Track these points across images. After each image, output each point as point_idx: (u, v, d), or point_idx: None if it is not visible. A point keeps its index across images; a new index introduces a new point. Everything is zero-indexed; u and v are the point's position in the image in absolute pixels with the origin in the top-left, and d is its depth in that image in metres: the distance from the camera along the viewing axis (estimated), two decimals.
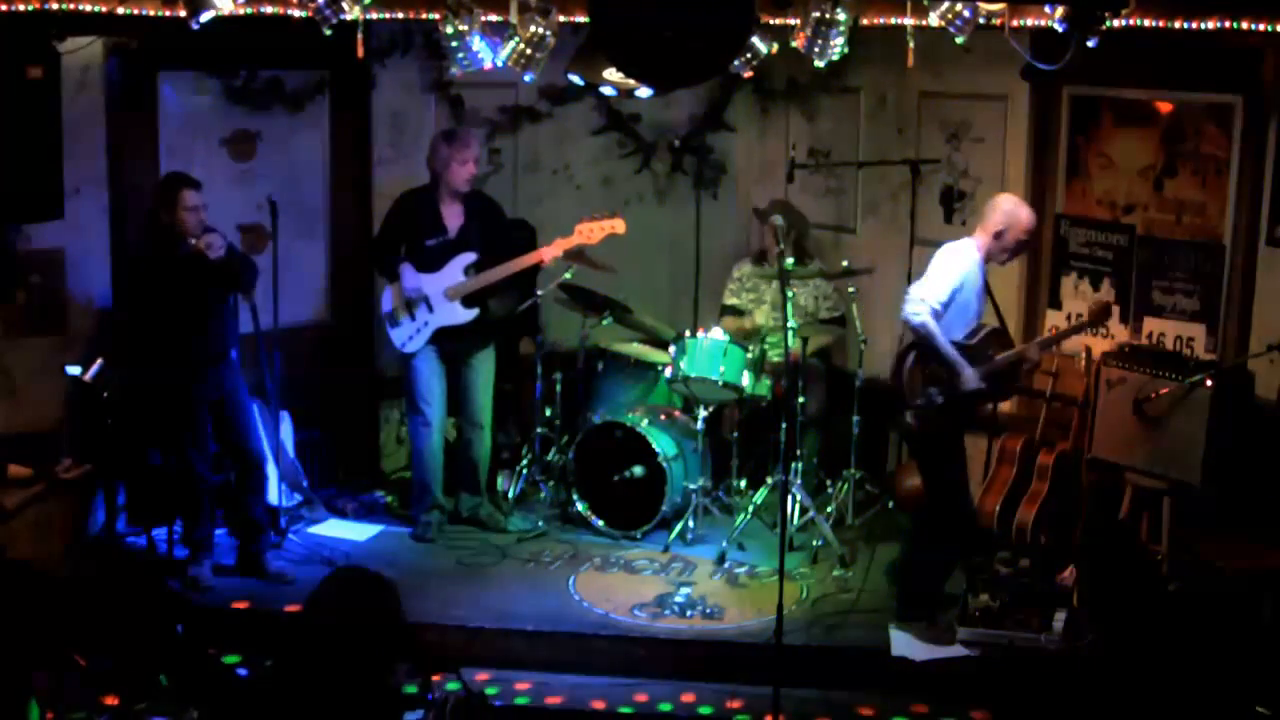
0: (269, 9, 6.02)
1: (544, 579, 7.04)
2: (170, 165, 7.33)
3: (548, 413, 8.08)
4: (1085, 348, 6.92)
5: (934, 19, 6.04)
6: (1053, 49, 6.10)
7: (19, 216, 6.71)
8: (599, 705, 6.07)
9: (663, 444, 7.42)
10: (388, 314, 7.40)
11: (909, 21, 6.23)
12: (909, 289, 6.17)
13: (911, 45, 6.14)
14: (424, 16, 6.17)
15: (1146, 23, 6.05)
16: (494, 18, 6.01)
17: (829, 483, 7.88)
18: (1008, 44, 6.17)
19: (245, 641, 6.37)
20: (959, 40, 6.04)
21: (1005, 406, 7.36)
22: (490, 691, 6.05)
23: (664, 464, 7.36)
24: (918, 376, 6.17)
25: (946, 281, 6.16)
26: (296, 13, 5.94)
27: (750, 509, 7.43)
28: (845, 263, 7.81)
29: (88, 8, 5.89)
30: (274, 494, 7.39)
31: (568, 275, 7.65)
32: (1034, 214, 6.47)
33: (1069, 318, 7.37)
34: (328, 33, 5.79)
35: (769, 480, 7.49)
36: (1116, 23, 5.98)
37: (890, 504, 7.71)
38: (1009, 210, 6.33)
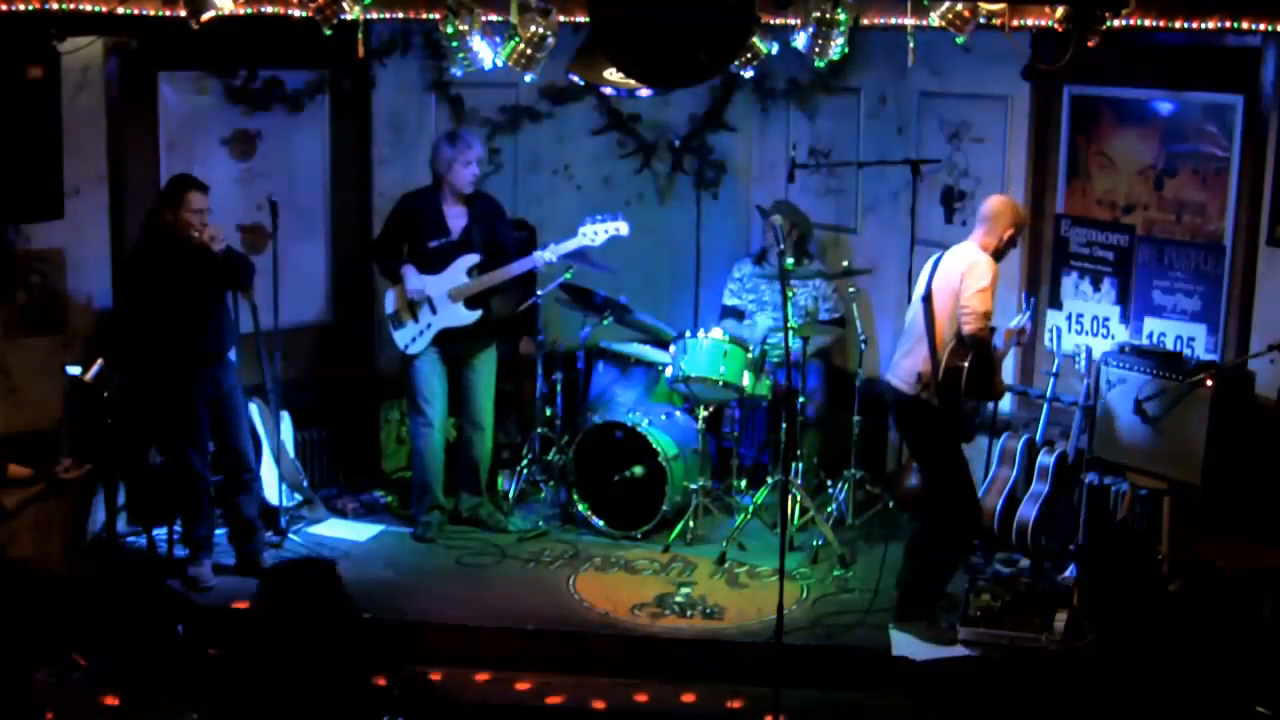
0: (269, 9, 6.01)
1: (544, 579, 7.04)
2: (170, 165, 7.34)
3: (548, 413, 8.08)
4: (1086, 347, 6.93)
5: (934, 19, 6.04)
6: (1053, 49, 6.10)
7: (19, 216, 6.71)
8: (599, 705, 6.08)
9: (663, 444, 7.42)
10: (391, 315, 7.40)
11: (909, 21, 6.23)
12: (965, 307, 6.14)
13: (912, 45, 6.14)
14: (424, 16, 6.16)
15: (1146, 23, 6.05)
16: (494, 18, 6.01)
17: (829, 483, 7.88)
18: (1008, 44, 6.17)
19: (245, 641, 6.35)
20: (959, 40, 6.04)
21: (1004, 406, 7.37)
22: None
23: (664, 464, 7.36)
24: (971, 381, 6.17)
25: (991, 289, 6.19)
26: (296, 13, 5.94)
27: (751, 509, 7.43)
28: (845, 263, 7.80)
29: (88, 8, 5.88)
30: (274, 494, 7.40)
31: (568, 275, 7.65)
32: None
33: (1069, 318, 7.37)
34: (328, 32, 5.80)
35: (769, 480, 7.50)
36: (1116, 23, 5.98)
37: (890, 504, 7.71)
38: (1014, 212, 6.37)
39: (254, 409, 7.35)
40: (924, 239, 7.45)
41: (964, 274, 6.18)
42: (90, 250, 7.26)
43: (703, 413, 7.58)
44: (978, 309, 6.12)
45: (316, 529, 7.56)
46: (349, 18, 5.77)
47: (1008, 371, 7.38)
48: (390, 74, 8.07)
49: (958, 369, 6.14)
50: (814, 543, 7.29)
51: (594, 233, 7.28)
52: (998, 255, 6.34)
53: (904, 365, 6.39)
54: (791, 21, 6.23)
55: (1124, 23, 6.01)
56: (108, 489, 6.81)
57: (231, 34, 6.21)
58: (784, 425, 7.11)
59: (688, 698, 6.15)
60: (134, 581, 6.68)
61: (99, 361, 6.38)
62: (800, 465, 7.59)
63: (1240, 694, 5.71)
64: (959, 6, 5.96)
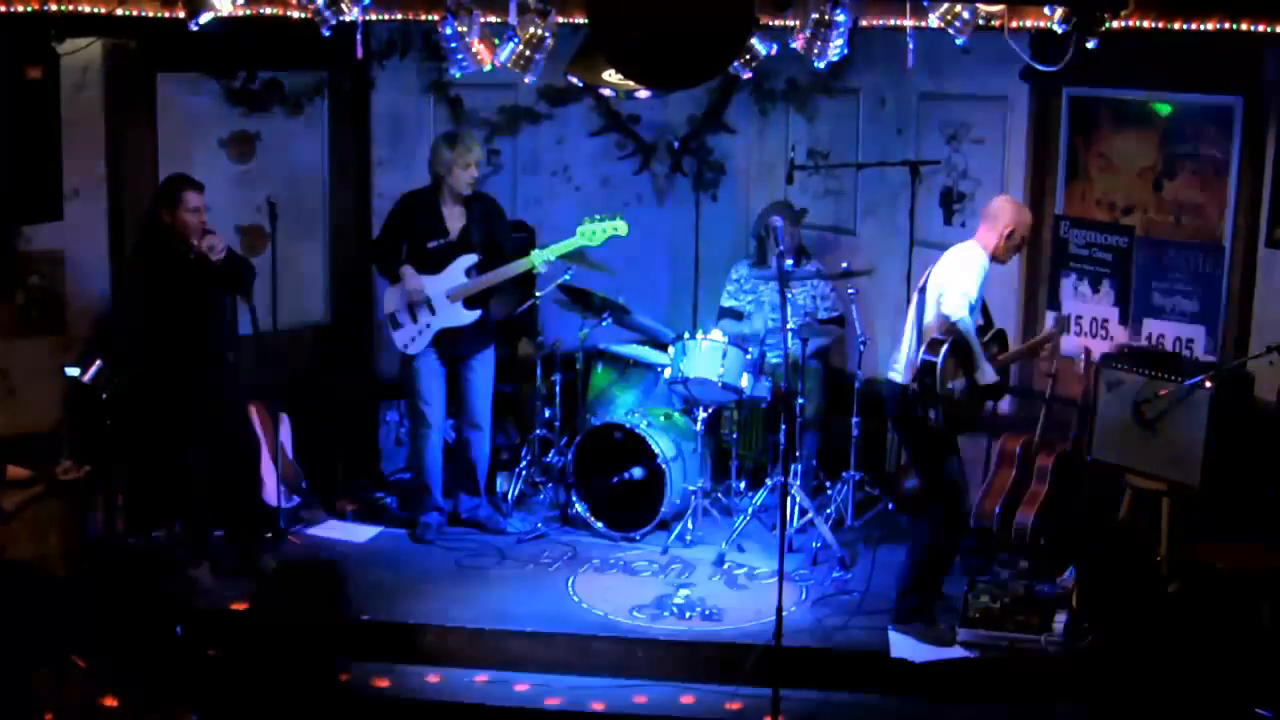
0: (268, 10, 6.02)
1: (543, 580, 7.03)
2: (169, 166, 7.33)
3: (547, 414, 8.07)
4: (1085, 349, 6.93)
5: (933, 20, 6.04)
6: (1052, 50, 6.10)
7: (18, 217, 6.71)
8: (598, 706, 6.07)
9: (662, 445, 7.42)
10: (390, 315, 7.40)
11: (908, 23, 6.23)
12: (946, 288, 6.17)
13: (911, 46, 6.14)
14: (423, 18, 6.17)
15: (1146, 23, 6.05)
16: (493, 19, 6.01)
17: (828, 484, 7.87)
18: (1008, 45, 6.17)
19: (244, 641, 6.35)
20: (958, 41, 6.04)
21: (1004, 406, 7.36)
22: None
23: (663, 465, 7.36)
24: (950, 369, 6.18)
25: (976, 280, 6.23)
26: (296, 14, 5.94)
27: (749, 510, 7.43)
28: (845, 264, 7.80)
29: (87, 8, 5.89)
30: (274, 495, 7.39)
31: (567, 276, 7.65)
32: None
33: (1069, 319, 7.37)
34: (327, 34, 5.80)
35: (768, 481, 7.49)
36: (1116, 23, 5.98)
37: (890, 505, 7.70)
38: (1016, 210, 6.40)
39: (252, 410, 7.34)
40: (923, 240, 7.44)
41: (952, 262, 6.24)
42: (90, 251, 7.26)
43: (701, 414, 7.58)
44: (958, 288, 6.15)
45: (315, 530, 7.56)
46: (348, 19, 5.77)
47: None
48: (389, 75, 8.08)
49: (931, 357, 6.16)
50: (813, 544, 7.29)
51: (592, 232, 7.29)
52: (997, 256, 6.35)
53: (899, 357, 6.41)
54: (791, 23, 6.24)
55: (1123, 24, 6.02)
56: (107, 490, 6.81)
57: (230, 35, 6.22)
58: (783, 426, 7.10)
59: (687, 699, 6.15)
60: (134, 582, 6.67)
61: (97, 362, 6.38)
62: (799, 466, 7.59)
63: (1239, 696, 5.71)
64: (958, 8, 5.96)
